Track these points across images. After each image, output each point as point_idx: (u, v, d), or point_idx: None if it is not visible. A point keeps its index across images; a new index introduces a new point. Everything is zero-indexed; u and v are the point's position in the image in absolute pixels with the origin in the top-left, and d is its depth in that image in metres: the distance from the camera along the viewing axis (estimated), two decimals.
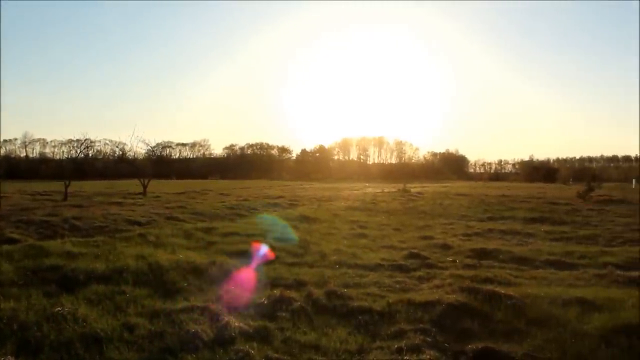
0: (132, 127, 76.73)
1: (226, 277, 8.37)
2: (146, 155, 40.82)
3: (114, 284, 7.54)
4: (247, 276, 8.59)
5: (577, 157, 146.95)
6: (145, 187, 32.15)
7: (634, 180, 58.08)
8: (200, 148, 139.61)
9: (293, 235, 13.88)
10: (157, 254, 9.56)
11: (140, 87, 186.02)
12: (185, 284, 7.89)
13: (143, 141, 40.61)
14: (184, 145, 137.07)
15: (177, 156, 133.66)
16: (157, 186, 39.50)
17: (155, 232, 13.00)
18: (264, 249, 11.13)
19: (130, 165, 39.84)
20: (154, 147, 41.94)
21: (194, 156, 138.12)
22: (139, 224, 15.66)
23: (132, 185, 38.99)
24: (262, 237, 12.88)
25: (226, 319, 5.99)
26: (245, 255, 10.55)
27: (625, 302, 6.86)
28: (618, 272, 9.46)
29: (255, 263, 9.85)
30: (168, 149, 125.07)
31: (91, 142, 34.63)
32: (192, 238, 12.61)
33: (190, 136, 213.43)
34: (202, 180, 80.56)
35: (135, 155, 39.70)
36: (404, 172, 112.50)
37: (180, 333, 5.59)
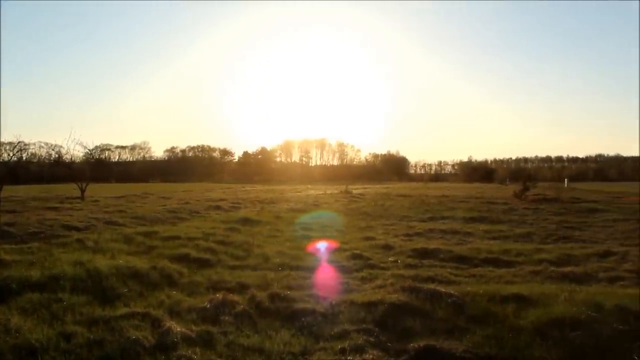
0: (69, 129, 74.19)
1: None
2: (84, 158, 39.81)
3: (50, 292, 7.26)
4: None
5: (513, 157, 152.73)
6: (83, 191, 31.21)
7: (566, 180, 60.47)
8: (141, 151, 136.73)
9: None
10: (95, 259, 9.26)
11: (78, 89, 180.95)
12: (126, 290, 7.73)
13: (80, 144, 39.41)
14: (123, 147, 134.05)
15: (116, 159, 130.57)
16: (95, 190, 38.35)
17: (93, 237, 12.59)
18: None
19: (67, 169, 38.50)
20: (92, 149, 40.91)
21: (134, 159, 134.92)
22: (77, 229, 15.16)
23: (69, 189, 37.69)
24: (203, 240, 12.69)
25: (168, 324, 5.89)
26: (185, 259, 10.39)
27: (559, 296, 7.15)
28: (552, 268, 9.91)
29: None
30: (107, 152, 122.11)
31: (25, 145, 33.45)
32: (133, 243, 12.29)
33: (129, 138, 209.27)
34: (142, 184, 78.55)
35: (73, 159, 38.59)
36: (346, 173, 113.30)
37: (120, 340, 5.44)
